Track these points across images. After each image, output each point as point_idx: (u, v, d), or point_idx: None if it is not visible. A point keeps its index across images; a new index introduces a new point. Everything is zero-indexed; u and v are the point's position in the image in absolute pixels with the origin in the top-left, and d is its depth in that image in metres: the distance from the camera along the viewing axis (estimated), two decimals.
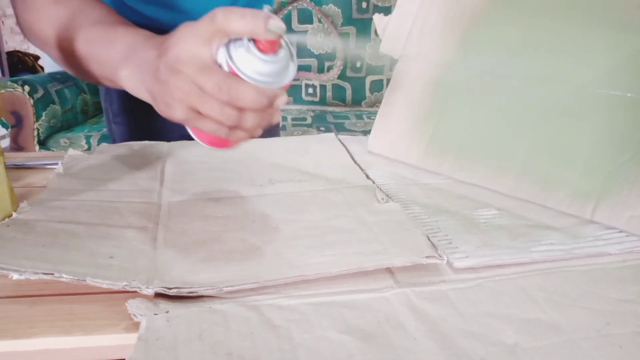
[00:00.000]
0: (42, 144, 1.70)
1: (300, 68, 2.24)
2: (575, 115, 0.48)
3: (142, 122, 0.76)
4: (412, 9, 0.60)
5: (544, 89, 0.50)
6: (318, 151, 0.65)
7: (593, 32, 0.48)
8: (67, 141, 1.70)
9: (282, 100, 0.39)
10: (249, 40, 0.38)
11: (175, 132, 0.72)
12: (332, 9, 2.18)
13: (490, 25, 0.54)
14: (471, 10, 0.56)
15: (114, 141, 0.79)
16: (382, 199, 0.49)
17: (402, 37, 0.61)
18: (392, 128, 0.61)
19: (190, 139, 0.46)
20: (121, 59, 0.44)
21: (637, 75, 0.45)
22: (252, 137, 0.42)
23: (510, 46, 0.53)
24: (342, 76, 2.18)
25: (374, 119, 0.64)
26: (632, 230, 0.43)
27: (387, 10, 1.78)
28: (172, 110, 0.40)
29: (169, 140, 0.67)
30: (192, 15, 0.57)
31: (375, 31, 2.06)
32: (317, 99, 2.24)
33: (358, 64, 2.13)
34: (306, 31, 2.18)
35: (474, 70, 0.55)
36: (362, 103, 2.18)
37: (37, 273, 0.34)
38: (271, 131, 0.90)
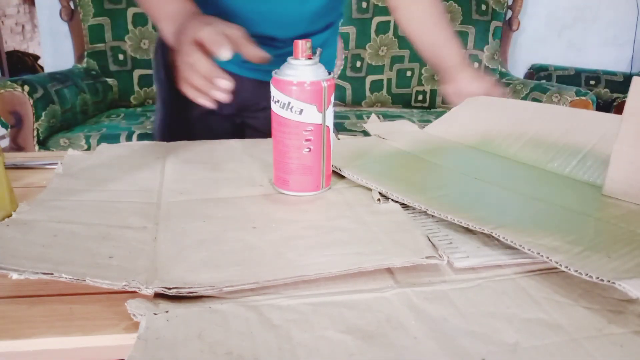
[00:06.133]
0: (42, 144, 1.70)
1: None
2: None
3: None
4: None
5: None
6: None
7: None
8: (66, 141, 1.70)
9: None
10: None
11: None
12: None
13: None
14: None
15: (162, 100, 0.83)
16: (382, 199, 0.49)
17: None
18: None
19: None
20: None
21: None
22: None
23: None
24: (342, 76, 2.17)
25: None
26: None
27: (386, 10, 1.78)
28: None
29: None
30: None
31: (375, 30, 2.06)
32: None
33: (358, 64, 2.13)
34: None
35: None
36: (362, 103, 2.18)
37: (36, 273, 0.34)
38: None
